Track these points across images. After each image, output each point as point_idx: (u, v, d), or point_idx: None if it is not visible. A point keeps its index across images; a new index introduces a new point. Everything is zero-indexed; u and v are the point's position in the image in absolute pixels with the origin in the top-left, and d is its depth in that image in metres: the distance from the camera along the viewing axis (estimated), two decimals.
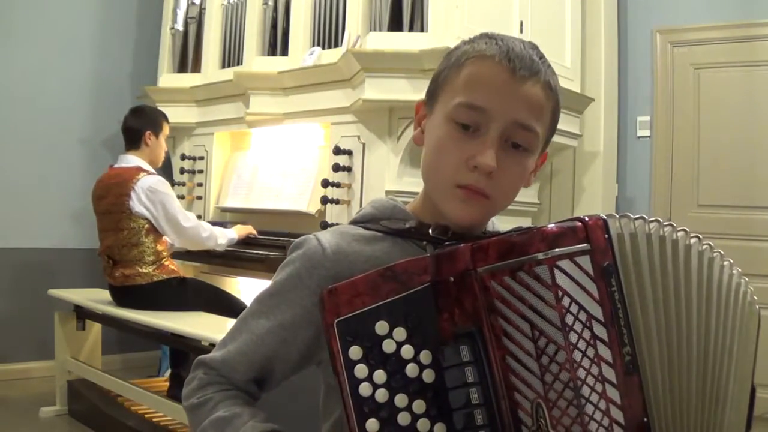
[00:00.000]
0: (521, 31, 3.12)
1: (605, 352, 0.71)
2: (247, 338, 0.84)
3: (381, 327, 0.72)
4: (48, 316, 3.30)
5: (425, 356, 0.72)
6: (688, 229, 0.81)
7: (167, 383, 3.09)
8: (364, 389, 0.71)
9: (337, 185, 2.86)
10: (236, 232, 3.07)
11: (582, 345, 0.70)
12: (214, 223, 3.14)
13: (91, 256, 3.36)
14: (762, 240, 3.39)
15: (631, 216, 0.77)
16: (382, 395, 0.71)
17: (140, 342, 3.86)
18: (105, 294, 3.09)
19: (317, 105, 3.05)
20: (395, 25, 2.86)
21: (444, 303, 0.73)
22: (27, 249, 3.85)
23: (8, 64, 3.80)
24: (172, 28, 3.84)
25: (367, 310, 0.72)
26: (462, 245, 0.74)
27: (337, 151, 2.88)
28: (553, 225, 0.74)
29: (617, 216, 0.76)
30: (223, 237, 2.99)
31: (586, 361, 0.70)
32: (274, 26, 3.37)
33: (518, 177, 0.83)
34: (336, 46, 3.04)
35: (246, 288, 3.44)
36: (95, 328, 3.36)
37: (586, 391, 0.69)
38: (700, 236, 0.82)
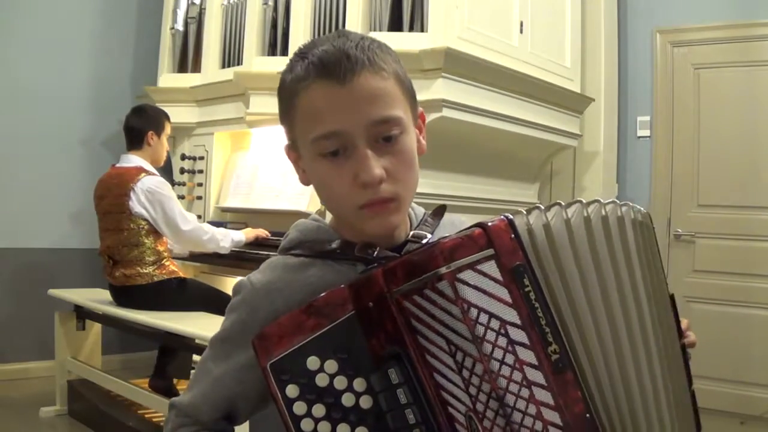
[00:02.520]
0: (521, 31, 3.12)
1: (527, 355, 0.70)
2: (208, 382, 0.87)
3: (312, 362, 0.73)
4: (48, 316, 3.30)
5: (359, 384, 0.73)
6: (604, 200, 0.80)
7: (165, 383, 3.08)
8: (306, 425, 0.73)
9: None
10: (244, 235, 3.01)
11: (498, 354, 0.69)
12: (215, 224, 3.13)
13: (91, 256, 3.36)
14: (762, 240, 3.39)
15: (542, 207, 0.75)
16: (324, 428, 0.73)
17: (140, 342, 3.86)
18: (105, 294, 3.09)
19: None
20: (395, 25, 2.86)
21: (369, 329, 0.73)
22: (27, 249, 3.85)
23: (8, 64, 3.80)
24: (172, 28, 3.84)
25: (296, 349, 0.73)
26: (374, 271, 0.74)
27: None
28: (454, 235, 0.73)
29: (524, 212, 0.74)
30: (226, 239, 2.94)
31: (505, 369, 0.69)
32: (274, 26, 3.37)
33: (409, 160, 0.81)
34: None
35: None
36: (95, 328, 3.35)
37: (510, 399, 0.69)
38: (618, 201, 0.82)
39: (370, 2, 2.95)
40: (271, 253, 3.18)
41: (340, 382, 0.73)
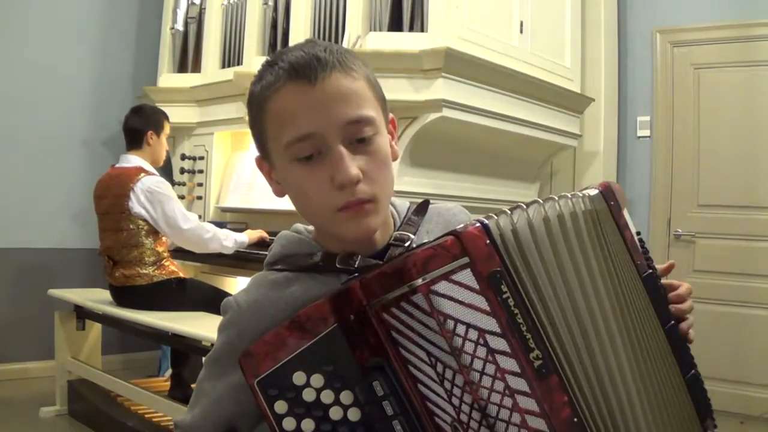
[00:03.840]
0: (521, 31, 3.12)
1: (508, 363, 0.69)
2: (206, 402, 0.87)
3: (298, 377, 0.73)
4: (48, 316, 3.30)
5: (346, 396, 0.73)
6: (569, 193, 0.79)
7: (167, 383, 3.09)
8: None
9: None
10: (247, 237, 2.98)
11: (478, 364, 0.68)
12: (215, 224, 3.13)
13: (91, 256, 3.36)
14: (762, 240, 3.39)
15: (508, 211, 0.74)
16: None
17: (140, 342, 3.86)
18: (105, 294, 3.08)
19: None
20: (395, 25, 2.86)
21: (353, 341, 0.73)
22: (27, 249, 3.85)
23: (9, 64, 3.80)
24: (172, 28, 3.84)
25: (282, 365, 0.73)
26: (351, 284, 0.73)
27: None
28: (427, 245, 0.71)
29: (495, 216, 0.73)
30: (229, 239, 2.91)
31: (486, 380, 0.68)
32: (274, 26, 3.37)
33: (383, 161, 0.81)
34: None
35: None
36: (95, 328, 3.35)
37: (492, 409, 0.68)
38: (571, 194, 0.80)
39: (370, 2, 2.95)
40: (264, 252, 3.17)
41: (327, 396, 0.73)
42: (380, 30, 2.85)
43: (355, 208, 0.78)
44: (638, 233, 0.85)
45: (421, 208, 0.91)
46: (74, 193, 3.89)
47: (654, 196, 3.69)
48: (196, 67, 3.76)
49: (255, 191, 3.37)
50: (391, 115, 0.87)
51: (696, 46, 3.60)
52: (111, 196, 2.88)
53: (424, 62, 2.63)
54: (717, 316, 3.39)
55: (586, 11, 3.62)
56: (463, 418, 0.69)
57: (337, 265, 0.82)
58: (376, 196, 0.79)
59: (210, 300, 2.91)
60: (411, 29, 2.82)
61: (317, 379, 0.73)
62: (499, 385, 0.68)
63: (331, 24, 3.08)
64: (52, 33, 3.93)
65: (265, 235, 3.07)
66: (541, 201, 0.77)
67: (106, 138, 4.08)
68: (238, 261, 3.05)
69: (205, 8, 3.72)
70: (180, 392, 2.86)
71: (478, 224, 0.71)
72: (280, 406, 0.73)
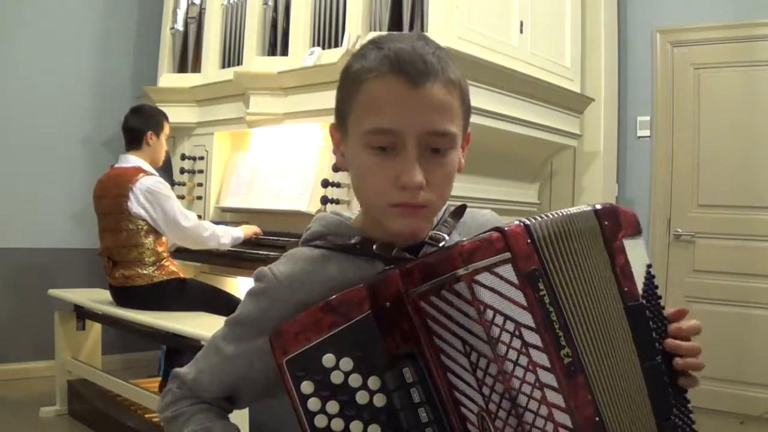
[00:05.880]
0: (521, 31, 3.12)
1: (540, 357, 0.71)
2: (217, 360, 0.88)
3: (328, 360, 0.74)
4: (48, 316, 3.30)
5: (373, 382, 0.74)
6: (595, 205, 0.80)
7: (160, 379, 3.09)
8: (320, 421, 0.74)
9: (337, 185, 2.86)
10: (242, 232, 3.03)
11: (512, 355, 0.71)
12: (215, 223, 3.13)
13: (91, 256, 3.36)
14: (762, 240, 3.39)
15: (547, 215, 0.76)
16: (337, 424, 0.74)
17: (140, 342, 3.86)
18: (105, 294, 3.08)
19: (317, 105, 3.05)
20: (395, 25, 2.86)
21: (386, 328, 0.74)
22: (27, 249, 3.85)
23: (8, 64, 3.80)
24: (172, 28, 3.84)
25: (312, 346, 0.74)
26: (391, 271, 0.75)
27: None
28: (473, 238, 0.74)
29: (537, 219, 0.76)
30: (227, 236, 2.95)
31: (519, 371, 0.71)
32: (274, 26, 3.37)
33: (448, 176, 0.82)
34: (336, 46, 3.04)
35: (246, 288, 3.43)
36: (95, 328, 3.35)
37: (523, 399, 0.70)
38: (595, 205, 0.80)
39: (370, 2, 2.95)
40: (270, 254, 3.17)
41: (354, 380, 0.74)
42: (380, 30, 2.85)
43: (409, 209, 0.80)
44: (649, 265, 0.83)
45: (458, 212, 0.93)
46: (74, 193, 3.89)
47: (654, 196, 3.69)
48: (196, 67, 3.76)
49: (255, 191, 3.37)
50: (469, 132, 0.88)
51: (696, 46, 3.60)
52: (110, 196, 2.88)
53: None
54: (717, 316, 3.39)
55: (586, 11, 3.62)
56: (492, 407, 0.70)
57: (375, 251, 0.83)
58: (431, 205, 0.81)
59: (210, 300, 2.91)
60: (411, 29, 2.82)
61: (346, 363, 0.74)
62: (530, 377, 0.71)
63: (331, 24, 3.08)
64: (52, 33, 3.93)
65: (259, 231, 3.11)
66: (556, 212, 0.79)
67: (106, 138, 4.08)
68: (238, 261, 3.06)
69: (205, 8, 3.72)
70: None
71: (520, 224, 0.75)
72: (307, 387, 0.74)
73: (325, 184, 2.86)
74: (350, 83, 0.82)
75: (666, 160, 3.66)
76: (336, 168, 0.72)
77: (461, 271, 0.71)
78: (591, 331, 0.75)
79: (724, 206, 3.50)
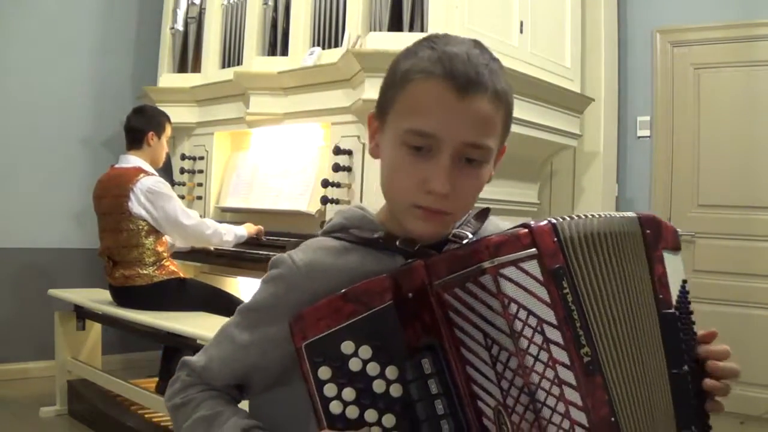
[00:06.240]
0: (521, 31, 3.12)
1: (560, 354, 0.71)
2: (229, 348, 0.87)
3: (346, 347, 0.75)
4: (48, 316, 3.30)
5: (391, 371, 0.75)
6: (609, 213, 0.81)
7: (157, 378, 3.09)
8: (335, 407, 0.74)
9: (337, 185, 2.86)
10: (246, 230, 3.02)
11: (533, 350, 0.71)
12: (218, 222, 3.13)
13: (91, 256, 3.36)
14: (762, 240, 3.39)
15: (578, 216, 0.77)
16: (352, 411, 0.74)
17: (140, 342, 3.86)
18: (105, 294, 3.08)
19: (317, 105, 3.05)
20: (395, 25, 2.86)
21: (406, 319, 0.75)
22: (27, 249, 3.85)
23: (9, 65, 3.80)
24: (172, 28, 3.84)
25: (332, 332, 0.75)
26: (416, 263, 0.76)
27: (337, 151, 2.87)
28: (500, 233, 0.75)
29: (567, 218, 0.76)
30: (229, 233, 2.95)
31: (539, 366, 0.71)
32: (274, 26, 3.37)
33: (476, 188, 0.83)
34: (336, 46, 3.04)
35: (246, 288, 3.44)
36: (95, 328, 3.35)
37: (541, 395, 0.70)
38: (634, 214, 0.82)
39: (370, 2, 2.95)
40: (270, 254, 3.16)
41: (372, 368, 0.74)
42: (380, 30, 2.85)
43: (431, 214, 0.80)
44: (684, 281, 0.84)
45: (481, 215, 0.93)
46: (74, 193, 3.89)
47: (654, 196, 3.69)
48: (196, 67, 3.77)
49: (255, 191, 3.37)
50: (505, 146, 0.88)
51: (696, 46, 3.60)
52: (110, 196, 2.88)
53: None
54: (717, 316, 3.39)
55: (586, 11, 3.62)
56: (510, 402, 0.71)
57: (398, 246, 0.84)
58: (453, 212, 0.82)
59: (210, 300, 2.91)
60: (411, 29, 2.82)
61: (365, 351, 0.75)
62: (549, 373, 0.71)
63: (331, 24, 3.08)
64: (53, 33, 3.93)
65: (262, 230, 3.11)
66: (592, 215, 0.80)
67: (106, 138, 4.08)
68: (238, 261, 3.06)
69: (205, 8, 3.72)
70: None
71: (548, 222, 0.75)
72: (324, 372, 0.74)
73: (325, 184, 2.86)
74: (399, 79, 0.81)
75: (666, 160, 3.66)
76: (374, 154, 0.73)
77: (487, 264, 0.72)
78: (615, 332, 0.76)
79: (724, 206, 3.50)
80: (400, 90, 0.81)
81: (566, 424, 0.70)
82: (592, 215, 0.79)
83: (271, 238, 3.09)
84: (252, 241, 3.10)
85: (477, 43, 0.82)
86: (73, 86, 4.02)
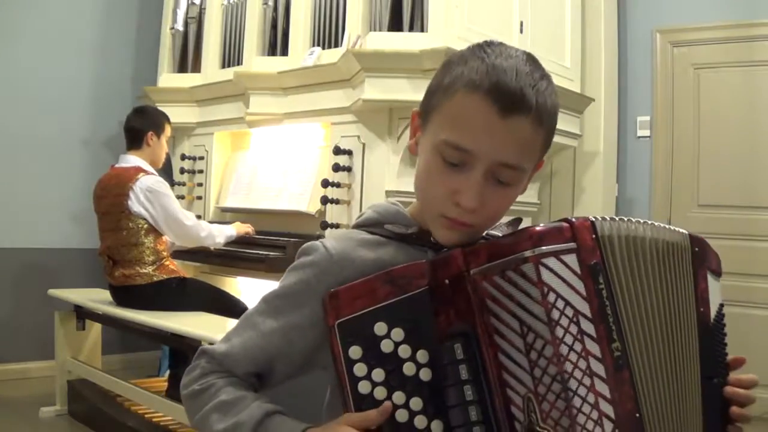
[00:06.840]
0: (521, 31, 3.12)
1: (593, 347, 0.73)
2: (253, 335, 0.86)
3: (379, 328, 0.75)
4: (48, 316, 3.30)
5: (422, 355, 0.75)
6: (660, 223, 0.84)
7: (167, 383, 3.09)
8: (364, 387, 0.74)
9: (337, 185, 2.86)
10: (235, 229, 3.08)
11: (569, 339, 0.72)
12: (213, 223, 3.15)
13: (91, 256, 3.36)
14: (762, 240, 3.39)
15: (608, 218, 0.79)
16: (380, 393, 0.74)
17: (140, 342, 3.86)
18: (105, 294, 3.09)
19: (317, 105, 3.05)
20: (395, 25, 2.86)
21: (440, 305, 0.76)
22: (27, 249, 3.85)
23: (9, 65, 3.80)
24: (172, 28, 3.84)
25: (366, 312, 0.76)
26: (454, 250, 0.78)
27: (337, 151, 2.88)
28: (541, 225, 0.76)
29: (608, 218, 0.79)
30: (221, 235, 3.01)
31: (573, 355, 0.72)
32: (274, 26, 3.37)
33: (504, 205, 0.83)
34: (336, 46, 3.04)
35: (246, 288, 3.44)
36: (95, 328, 3.35)
37: (573, 384, 0.71)
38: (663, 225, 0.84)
39: (370, 2, 2.95)
40: (270, 254, 3.17)
41: (404, 351, 0.75)
42: (380, 30, 2.85)
43: (457, 225, 0.81)
44: (721, 305, 0.87)
45: (514, 222, 0.94)
46: (74, 193, 3.89)
47: (654, 196, 3.69)
48: (196, 67, 3.77)
49: (255, 191, 3.37)
50: (542, 160, 0.88)
51: (696, 46, 3.60)
52: (110, 195, 2.88)
53: (424, 62, 2.63)
54: None
55: (586, 11, 3.62)
56: (541, 390, 0.71)
57: (432, 240, 0.84)
58: (479, 227, 0.83)
59: (210, 300, 2.91)
60: (411, 29, 2.82)
61: (398, 333, 0.75)
62: (582, 364, 0.72)
63: (331, 24, 3.08)
64: (52, 33, 3.93)
65: (251, 230, 3.14)
66: (639, 220, 0.82)
67: (106, 138, 4.09)
68: (238, 261, 3.06)
69: (205, 8, 3.72)
70: (179, 392, 2.86)
71: (587, 220, 0.77)
72: (355, 352, 0.75)
73: (325, 184, 2.86)
74: (447, 83, 0.81)
75: (666, 160, 3.66)
76: (413, 151, 0.73)
77: (529, 253, 0.73)
78: (647, 332, 0.77)
79: (724, 206, 3.50)
80: (444, 98, 0.81)
81: (594, 415, 0.71)
82: (637, 221, 0.81)
83: (271, 238, 3.09)
84: (251, 241, 3.10)
85: (529, 58, 0.82)
86: (73, 86, 4.02)
